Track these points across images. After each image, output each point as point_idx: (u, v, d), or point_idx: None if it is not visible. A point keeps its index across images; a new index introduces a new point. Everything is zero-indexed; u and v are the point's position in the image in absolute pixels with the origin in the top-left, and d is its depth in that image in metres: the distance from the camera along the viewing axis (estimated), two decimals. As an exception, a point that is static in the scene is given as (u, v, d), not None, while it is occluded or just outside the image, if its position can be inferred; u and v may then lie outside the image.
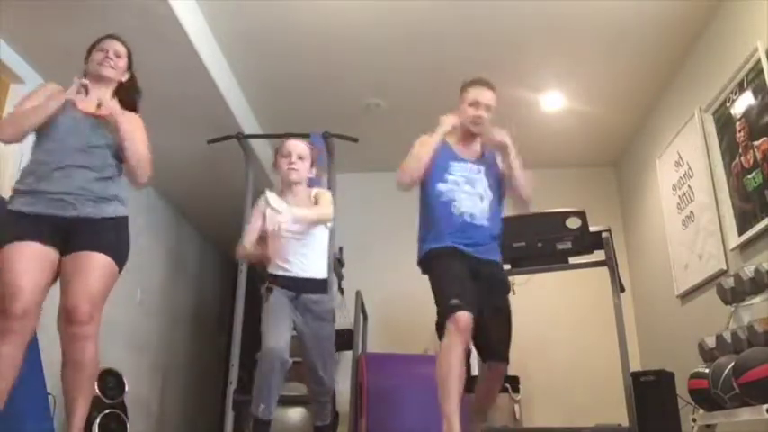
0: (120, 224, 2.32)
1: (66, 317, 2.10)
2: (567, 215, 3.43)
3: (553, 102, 4.33)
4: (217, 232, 6.19)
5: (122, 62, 2.46)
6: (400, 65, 3.98)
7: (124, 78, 2.47)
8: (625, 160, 5.11)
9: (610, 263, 3.46)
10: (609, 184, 5.27)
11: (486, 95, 2.73)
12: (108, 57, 2.40)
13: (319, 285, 2.73)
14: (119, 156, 2.33)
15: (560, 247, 3.46)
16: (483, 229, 2.58)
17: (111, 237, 2.25)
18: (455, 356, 2.31)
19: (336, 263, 4.22)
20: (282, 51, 3.84)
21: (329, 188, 4.02)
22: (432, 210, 2.61)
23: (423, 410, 3.01)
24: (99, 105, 2.30)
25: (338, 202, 4.09)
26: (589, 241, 3.45)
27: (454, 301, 2.35)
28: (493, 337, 2.53)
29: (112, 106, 2.31)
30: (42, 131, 2.25)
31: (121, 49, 2.46)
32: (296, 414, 4.10)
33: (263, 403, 2.49)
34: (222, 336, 6.09)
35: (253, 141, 4.26)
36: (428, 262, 2.59)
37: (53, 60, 3.42)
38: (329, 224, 2.78)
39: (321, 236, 2.75)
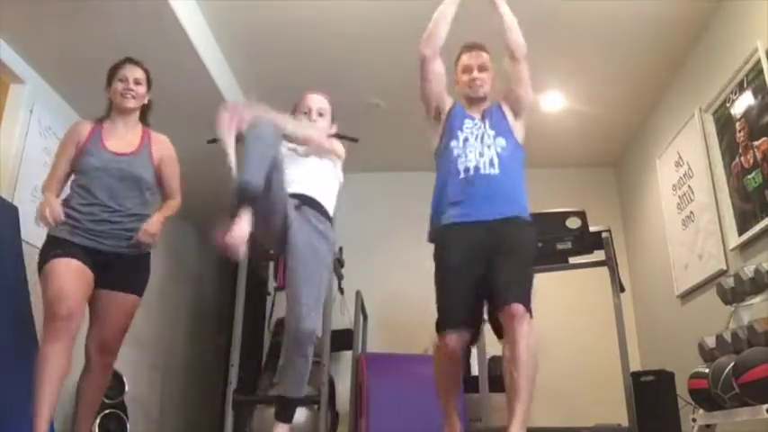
0: (148, 260, 2.65)
1: (101, 347, 2.47)
2: (567, 215, 3.43)
3: (553, 102, 4.33)
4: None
5: (142, 89, 2.62)
6: (400, 65, 3.96)
7: (146, 101, 2.67)
8: (625, 160, 5.11)
9: (610, 263, 3.46)
10: (609, 184, 5.27)
11: (480, 57, 2.70)
12: (128, 88, 2.56)
13: (325, 212, 2.48)
14: (150, 187, 2.64)
15: (560, 247, 3.46)
16: (491, 178, 2.43)
17: (142, 276, 2.61)
18: (445, 370, 2.39)
19: (336, 263, 4.21)
20: (282, 51, 3.84)
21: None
22: (440, 171, 2.61)
23: (423, 410, 3.01)
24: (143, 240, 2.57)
25: (338, 202, 4.10)
26: (589, 241, 3.45)
27: (445, 322, 2.29)
28: (501, 278, 2.21)
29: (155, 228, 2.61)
30: (75, 175, 2.51)
31: (141, 75, 2.61)
32: (296, 414, 4.09)
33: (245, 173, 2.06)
34: (222, 336, 6.08)
35: (253, 141, 4.25)
36: (434, 249, 2.51)
37: (53, 60, 3.42)
38: (338, 163, 2.78)
39: (329, 170, 2.69)
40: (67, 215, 2.37)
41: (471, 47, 2.71)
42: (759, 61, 2.99)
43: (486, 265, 2.27)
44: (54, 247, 2.32)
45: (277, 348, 4.51)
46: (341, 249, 4.61)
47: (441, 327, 2.30)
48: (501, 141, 2.56)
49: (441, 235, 2.45)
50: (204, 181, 5.09)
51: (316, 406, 3.44)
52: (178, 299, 5.62)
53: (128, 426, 3.86)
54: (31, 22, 3.10)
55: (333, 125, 2.76)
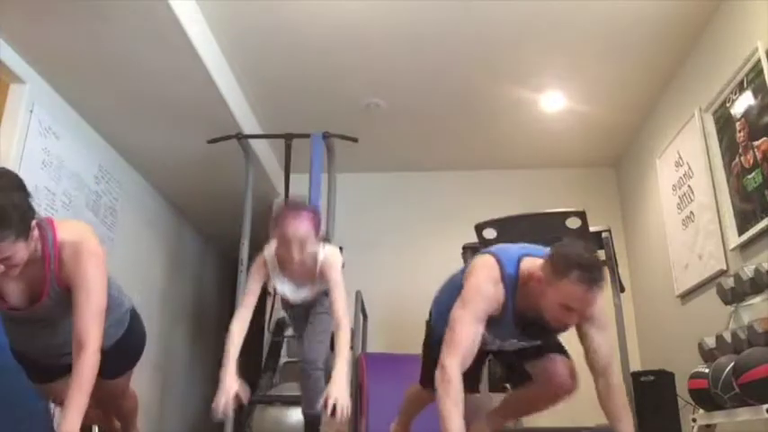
0: (133, 328, 2.21)
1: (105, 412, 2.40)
2: (567, 215, 3.42)
3: (553, 102, 4.33)
4: (217, 232, 6.19)
5: (19, 257, 1.65)
6: (400, 65, 3.98)
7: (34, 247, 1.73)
8: (625, 160, 5.11)
9: (610, 263, 3.46)
10: (609, 184, 5.27)
11: (589, 301, 1.94)
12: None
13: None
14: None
15: (560, 247, 3.45)
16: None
17: (128, 358, 2.27)
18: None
19: (336, 263, 4.21)
20: (282, 51, 3.84)
21: (329, 187, 4.04)
22: None
23: (422, 410, 3.00)
24: None
25: (338, 202, 4.11)
26: (589, 241, 3.45)
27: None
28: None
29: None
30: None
31: (9, 251, 1.61)
32: (296, 414, 4.10)
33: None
34: (222, 336, 6.08)
35: (253, 141, 4.26)
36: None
37: (53, 60, 3.42)
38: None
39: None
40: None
41: (594, 282, 1.90)
42: (759, 61, 2.99)
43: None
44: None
45: (277, 348, 4.51)
46: (341, 249, 4.61)
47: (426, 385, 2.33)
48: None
49: None
50: (204, 181, 5.10)
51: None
52: (178, 299, 5.62)
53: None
54: (31, 22, 3.10)
55: (319, 238, 2.43)
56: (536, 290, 1.96)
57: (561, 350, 2.35)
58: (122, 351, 2.15)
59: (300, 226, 2.29)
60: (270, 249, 2.42)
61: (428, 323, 2.55)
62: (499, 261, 2.04)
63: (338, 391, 2.04)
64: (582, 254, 1.91)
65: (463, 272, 2.20)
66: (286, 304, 2.65)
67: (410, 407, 2.69)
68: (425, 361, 2.47)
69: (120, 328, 2.12)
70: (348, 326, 2.30)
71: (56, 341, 1.96)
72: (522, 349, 2.28)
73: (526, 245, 2.16)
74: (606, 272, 1.95)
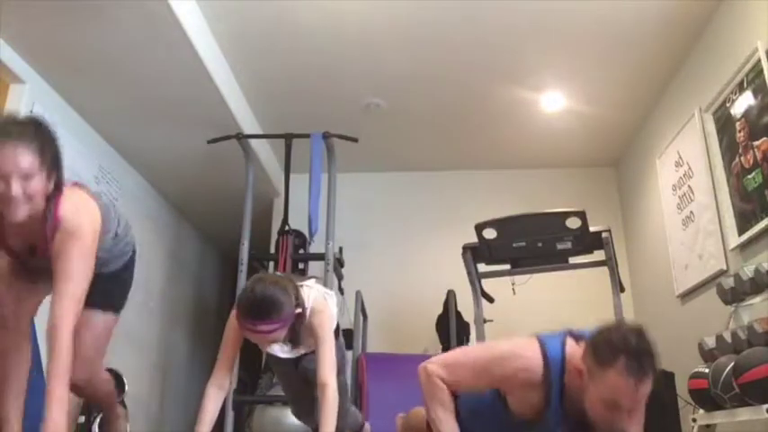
0: (128, 268, 2.17)
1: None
2: (567, 215, 3.42)
3: (553, 102, 4.33)
4: (217, 232, 6.20)
5: (36, 183, 1.71)
6: (400, 65, 3.98)
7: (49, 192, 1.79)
8: (625, 160, 5.11)
9: (610, 263, 3.46)
10: (609, 184, 5.27)
11: (639, 396, 1.65)
12: (7, 195, 1.69)
13: None
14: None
15: (560, 247, 3.45)
16: None
17: (118, 288, 2.15)
18: None
19: (336, 263, 4.21)
20: (283, 51, 3.84)
21: (329, 187, 4.03)
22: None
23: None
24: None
25: (338, 202, 4.10)
26: (589, 241, 3.45)
27: None
28: None
29: None
30: None
31: (27, 162, 1.69)
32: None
33: None
34: (222, 336, 6.08)
35: (253, 141, 4.26)
36: None
37: (53, 60, 3.42)
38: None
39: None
40: None
41: (643, 374, 1.61)
42: (759, 61, 2.99)
43: None
44: None
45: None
46: (341, 249, 4.61)
47: None
48: None
49: None
50: (204, 181, 5.10)
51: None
52: (178, 299, 5.63)
53: (128, 426, 3.86)
54: (31, 22, 3.10)
55: (285, 329, 2.08)
56: (579, 382, 1.68)
57: None
58: (112, 282, 2.11)
59: (267, 336, 2.02)
60: None
61: None
62: (541, 343, 1.77)
63: None
64: (629, 337, 1.63)
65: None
66: (271, 359, 2.35)
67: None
68: None
69: (120, 260, 2.12)
70: (333, 392, 2.04)
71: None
72: None
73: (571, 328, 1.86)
74: (655, 357, 1.66)
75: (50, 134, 1.79)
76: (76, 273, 1.77)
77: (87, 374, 2.05)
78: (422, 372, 1.88)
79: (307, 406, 2.50)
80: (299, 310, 2.08)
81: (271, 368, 4.39)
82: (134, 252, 2.23)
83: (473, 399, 1.93)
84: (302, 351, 2.25)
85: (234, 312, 2.09)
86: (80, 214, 1.82)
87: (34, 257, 1.88)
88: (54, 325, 1.72)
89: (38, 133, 1.74)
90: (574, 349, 1.73)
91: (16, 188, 1.65)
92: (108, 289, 2.09)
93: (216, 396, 2.13)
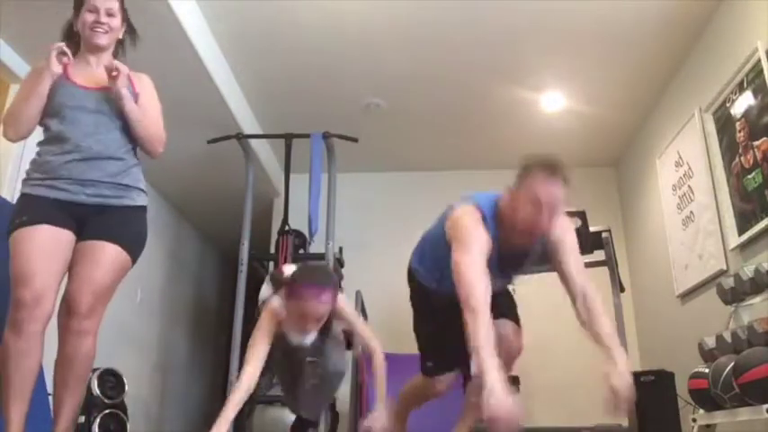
0: (139, 214, 2.17)
1: (67, 308, 1.97)
2: (566, 215, 3.42)
3: (553, 102, 4.33)
4: (217, 232, 6.20)
5: (116, 21, 2.21)
6: (400, 65, 3.98)
7: (120, 36, 2.27)
8: (625, 160, 5.11)
9: (610, 263, 3.46)
10: (609, 184, 5.27)
11: (555, 193, 2.08)
12: (99, 21, 2.16)
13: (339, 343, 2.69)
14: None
15: (560, 247, 3.45)
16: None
17: (127, 227, 2.10)
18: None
19: (336, 263, 4.21)
20: (283, 51, 3.84)
21: (329, 187, 4.03)
22: (441, 265, 2.25)
23: (423, 410, 3.00)
24: (111, 73, 2.09)
25: (338, 202, 4.10)
26: (589, 241, 3.45)
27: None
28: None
29: (120, 80, 2.11)
30: (44, 119, 2.09)
31: (114, 5, 2.19)
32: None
33: None
34: (222, 336, 6.09)
35: (253, 141, 4.26)
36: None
37: (53, 60, 3.42)
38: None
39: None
40: (38, 165, 2.05)
41: (555, 172, 2.12)
42: (759, 61, 2.99)
43: None
44: (22, 211, 1.98)
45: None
46: (341, 249, 4.61)
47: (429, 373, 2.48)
48: None
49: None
50: (204, 181, 5.10)
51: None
52: (178, 299, 5.63)
53: (128, 426, 3.86)
54: (31, 22, 3.10)
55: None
56: (509, 208, 2.06)
57: (513, 315, 2.43)
58: (132, 220, 2.14)
59: (323, 306, 2.12)
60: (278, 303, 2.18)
61: (414, 282, 2.50)
62: (476, 203, 2.15)
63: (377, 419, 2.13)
64: (541, 155, 2.11)
65: (442, 223, 2.26)
66: (285, 350, 2.31)
67: (409, 399, 2.66)
68: (420, 341, 2.49)
69: (142, 193, 2.21)
70: (382, 358, 2.38)
71: (103, 142, 2.12)
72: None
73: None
74: (565, 168, 2.11)
75: None
76: (157, 106, 2.44)
77: (90, 305, 1.96)
78: (455, 272, 2.00)
79: (309, 402, 2.55)
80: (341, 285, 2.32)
81: (271, 368, 4.39)
82: (145, 206, 2.22)
83: (427, 253, 2.41)
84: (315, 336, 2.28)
85: (268, 308, 2.16)
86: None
87: (97, 89, 2.14)
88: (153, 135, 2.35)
89: None
90: (503, 200, 2.13)
91: (104, 18, 2.16)
92: (116, 223, 2.07)
93: (240, 402, 2.12)
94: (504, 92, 4.20)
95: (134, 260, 2.13)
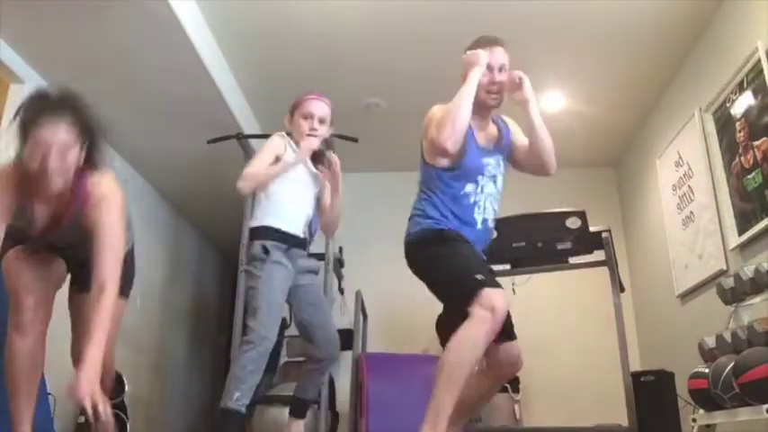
0: (133, 254, 2.32)
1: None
2: (567, 215, 3.43)
3: (553, 102, 4.33)
4: (217, 232, 6.19)
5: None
6: (400, 65, 3.98)
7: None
8: (625, 160, 5.11)
9: (610, 263, 3.46)
10: (609, 184, 5.27)
11: (499, 55, 2.28)
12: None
13: (303, 243, 2.68)
14: None
15: (560, 247, 3.45)
16: (491, 229, 2.34)
17: (128, 275, 2.19)
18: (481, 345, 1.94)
19: (336, 263, 4.22)
20: (283, 51, 3.84)
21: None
22: (454, 204, 2.24)
23: (423, 411, 3.01)
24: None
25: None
26: (589, 241, 3.45)
27: (488, 279, 2.01)
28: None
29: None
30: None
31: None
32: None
33: (238, 392, 2.22)
34: (222, 336, 6.09)
35: (253, 141, 4.25)
36: (440, 239, 2.18)
37: (53, 60, 3.42)
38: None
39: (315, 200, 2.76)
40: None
41: (492, 41, 2.33)
42: (759, 61, 2.99)
43: None
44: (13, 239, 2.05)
45: (277, 348, 4.51)
46: (341, 249, 4.62)
47: (486, 284, 1.98)
48: (501, 183, 2.35)
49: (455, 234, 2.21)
50: (204, 181, 5.10)
51: (315, 406, 3.45)
52: (178, 299, 5.62)
53: (128, 426, 3.86)
54: (31, 22, 3.10)
55: (331, 127, 2.78)
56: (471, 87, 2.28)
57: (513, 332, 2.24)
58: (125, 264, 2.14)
59: (324, 107, 2.74)
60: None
61: (419, 242, 2.26)
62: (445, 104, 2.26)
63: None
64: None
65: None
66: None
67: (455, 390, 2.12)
68: (457, 263, 2.13)
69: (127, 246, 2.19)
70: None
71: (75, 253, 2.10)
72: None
73: None
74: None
75: (86, 110, 1.90)
76: (116, 231, 1.91)
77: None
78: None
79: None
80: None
81: (270, 368, 4.40)
82: (132, 246, 2.33)
83: None
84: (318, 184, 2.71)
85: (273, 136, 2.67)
86: (110, 180, 2.00)
87: (57, 229, 1.96)
88: (101, 284, 1.80)
89: (78, 104, 1.88)
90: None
91: (54, 160, 1.77)
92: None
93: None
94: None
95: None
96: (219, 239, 6.41)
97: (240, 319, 3.66)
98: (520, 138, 2.42)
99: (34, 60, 3.42)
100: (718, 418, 2.58)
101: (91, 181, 1.93)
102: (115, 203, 1.96)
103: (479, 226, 2.24)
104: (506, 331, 2.10)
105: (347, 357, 4.41)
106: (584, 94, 4.25)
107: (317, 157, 2.70)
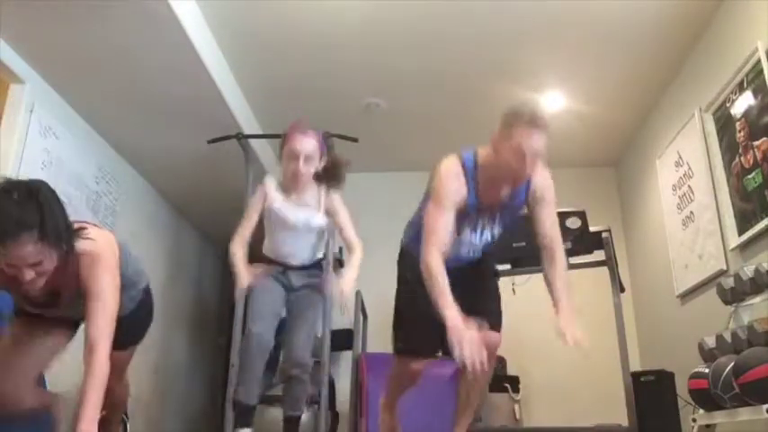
0: (142, 306, 2.26)
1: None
2: (567, 215, 3.43)
3: (553, 102, 4.33)
4: (217, 232, 6.19)
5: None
6: (400, 65, 3.98)
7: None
8: (625, 160, 5.11)
9: (610, 263, 3.46)
10: (609, 184, 5.27)
11: (538, 142, 2.11)
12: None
13: (314, 266, 2.80)
14: None
15: (560, 247, 3.45)
16: (478, 254, 2.41)
17: (136, 330, 2.28)
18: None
19: (336, 263, 4.21)
20: (282, 51, 3.84)
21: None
22: None
23: (423, 410, 3.01)
24: None
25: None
26: (589, 241, 3.45)
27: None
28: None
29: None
30: None
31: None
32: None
33: (242, 385, 2.54)
34: (222, 336, 6.08)
35: (253, 141, 4.26)
36: (406, 266, 2.48)
37: (53, 60, 3.42)
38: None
39: (319, 233, 2.75)
40: None
41: (538, 124, 2.11)
42: (759, 61, 2.99)
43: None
44: None
45: (277, 349, 4.51)
46: (341, 249, 4.61)
47: (402, 352, 2.54)
48: (504, 226, 2.41)
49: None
50: (204, 181, 5.10)
51: (315, 406, 3.45)
52: (178, 300, 5.62)
53: (128, 426, 3.86)
54: (31, 22, 3.10)
55: (322, 158, 2.70)
56: (492, 157, 2.16)
57: (496, 318, 2.40)
58: (130, 324, 2.17)
59: (309, 142, 2.59)
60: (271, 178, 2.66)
61: (403, 256, 2.57)
62: (458, 155, 2.25)
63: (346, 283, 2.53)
64: (522, 103, 2.19)
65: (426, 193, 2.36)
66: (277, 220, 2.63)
67: (392, 388, 2.73)
68: (398, 318, 2.52)
69: (131, 303, 2.18)
70: (360, 247, 2.67)
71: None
72: (475, 288, 2.35)
73: None
74: (545, 117, 2.14)
75: (50, 205, 1.72)
76: (106, 290, 1.87)
77: (114, 384, 2.11)
78: (423, 268, 2.11)
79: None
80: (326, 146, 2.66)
81: (270, 368, 4.40)
82: (146, 289, 2.29)
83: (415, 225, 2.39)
84: (308, 217, 2.64)
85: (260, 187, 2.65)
86: (97, 242, 1.91)
87: (57, 305, 1.94)
88: (91, 346, 1.79)
89: (38, 212, 1.68)
90: (484, 149, 2.23)
91: (28, 274, 1.72)
92: (128, 331, 2.12)
93: (244, 242, 2.65)
94: (504, 92, 4.19)
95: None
96: (219, 240, 6.40)
97: (240, 320, 3.66)
98: (538, 206, 2.33)
99: (34, 60, 3.42)
100: (718, 418, 2.58)
101: (80, 250, 1.86)
102: (105, 263, 1.89)
103: (463, 254, 2.35)
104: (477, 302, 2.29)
105: (347, 357, 4.41)
106: (583, 94, 4.25)
107: (320, 179, 2.70)
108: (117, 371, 2.13)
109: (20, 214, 1.65)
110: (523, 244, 3.48)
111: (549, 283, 2.25)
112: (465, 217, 2.24)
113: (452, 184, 2.19)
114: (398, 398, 2.68)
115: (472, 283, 2.35)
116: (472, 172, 2.22)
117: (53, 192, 1.77)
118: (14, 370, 2.04)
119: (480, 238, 2.35)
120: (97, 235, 1.94)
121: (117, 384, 2.29)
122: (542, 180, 2.30)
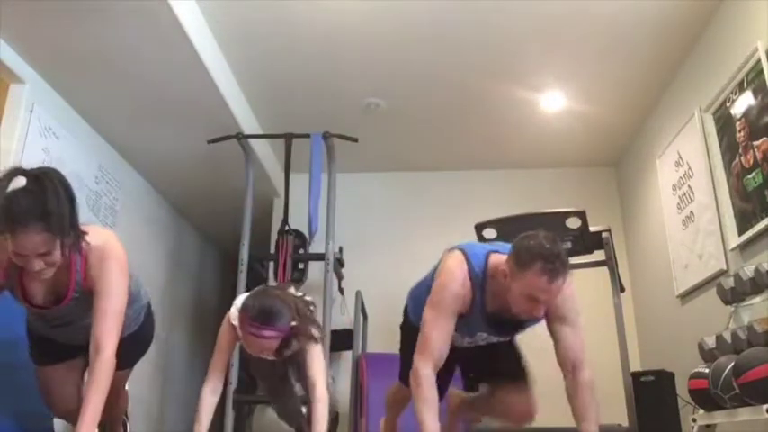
0: (144, 326, 2.26)
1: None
2: (567, 215, 3.42)
3: (553, 102, 4.33)
4: (217, 232, 6.20)
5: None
6: (400, 65, 3.98)
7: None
8: (625, 160, 5.11)
9: (610, 263, 3.46)
10: (609, 184, 5.27)
11: (553, 291, 1.93)
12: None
13: None
14: None
15: (560, 247, 3.45)
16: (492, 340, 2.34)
17: (137, 349, 2.29)
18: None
19: (336, 263, 4.21)
20: (283, 51, 3.84)
21: (329, 187, 4.03)
22: None
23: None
24: None
25: (338, 202, 4.11)
26: (589, 241, 3.45)
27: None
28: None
29: None
30: None
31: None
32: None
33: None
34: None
35: (253, 141, 4.26)
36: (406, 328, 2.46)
37: (53, 60, 3.43)
38: None
39: None
40: None
41: (556, 274, 1.89)
42: (759, 61, 2.99)
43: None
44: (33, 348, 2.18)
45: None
46: (341, 249, 4.62)
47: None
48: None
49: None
50: (204, 181, 5.10)
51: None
52: (178, 300, 5.62)
53: (128, 426, 3.86)
54: (31, 22, 3.10)
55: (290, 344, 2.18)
56: (502, 285, 1.99)
57: (520, 373, 2.43)
58: (132, 343, 2.17)
59: (264, 341, 2.07)
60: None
61: (405, 315, 2.57)
62: (467, 259, 2.08)
63: None
64: (544, 245, 1.91)
65: (436, 269, 2.23)
66: (252, 364, 2.45)
67: (393, 405, 2.75)
68: (403, 357, 2.46)
69: (135, 322, 2.17)
70: (326, 395, 2.14)
71: (73, 334, 2.04)
72: (487, 351, 2.32)
73: (495, 242, 2.27)
74: (567, 260, 1.95)
75: (60, 195, 1.66)
76: (116, 288, 1.84)
77: (113, 399, 2.11)
78: (411, 376, 2.05)
79: (289, 408, 2.66)
80: (294, 323, 2.11)
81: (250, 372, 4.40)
82: (148, 308, 2.27)
83: (419, 300, 2.24)
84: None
85: (227, 318, 2.19)
86: (104, 235, 1.89)
87: (57, 307, 1.90)
88: (97, 345, 1.76)
89: (47, 204, 1.63)
90: (497, 258, 2.05)
91: (38, 264, 1.68)
92: (128, 351, 2.09)
93: (211, 400, 2.34)
94: (503, 92, 4.20)
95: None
96: (219, 239, 6.41)
97: (240, 319, 3.65)
98: (558, 325, 2.15)
99: (34, 60, 3.42)
100: (718, 418, 2.58)
101: (88, 248, 1.82)
102: (116, 259, 1.86)
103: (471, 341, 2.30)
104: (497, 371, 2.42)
105: (347, 357, 4.41)
106: (583, 95, 4.25)
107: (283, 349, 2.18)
108: (114, 389, 2.09)
109: (29, 203, 1.60)
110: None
111: (573, 411, 2.24)
112: (471, 320, 2.12)
113: (456, 289, 2.04)
114: (400, 412, 2.74)
115: (485, 349, 2.34)
116: (480, 280, 2.06)
117: (65, 180, 1.70)
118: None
119: (489, 337, 2.26)
120: (101, 230, 1.92)
121: (116, 399, 2.30)
122: (564, 297, 2.03)
